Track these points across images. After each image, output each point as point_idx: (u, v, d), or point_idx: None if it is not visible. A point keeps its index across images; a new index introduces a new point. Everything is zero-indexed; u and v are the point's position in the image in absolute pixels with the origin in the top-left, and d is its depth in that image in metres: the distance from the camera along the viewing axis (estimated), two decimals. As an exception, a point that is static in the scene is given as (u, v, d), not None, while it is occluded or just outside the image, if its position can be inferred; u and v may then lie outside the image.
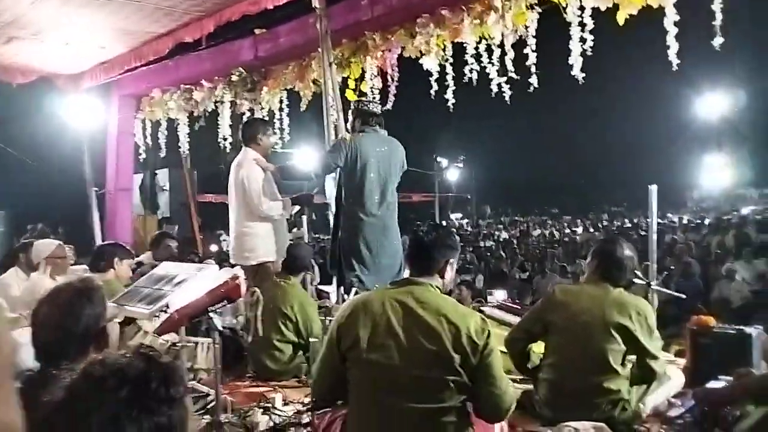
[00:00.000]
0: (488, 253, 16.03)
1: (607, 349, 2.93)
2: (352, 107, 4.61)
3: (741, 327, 3.61)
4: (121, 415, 0.92)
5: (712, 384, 2.85)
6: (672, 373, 3.31)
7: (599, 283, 3.12)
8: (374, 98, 5.21)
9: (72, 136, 8.08)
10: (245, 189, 4.62)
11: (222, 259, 6.85)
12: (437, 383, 2.21)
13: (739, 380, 2.76)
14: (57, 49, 6.46)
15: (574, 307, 3.05)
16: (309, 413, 3.24)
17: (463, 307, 2.40)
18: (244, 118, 6.22)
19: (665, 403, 3.15)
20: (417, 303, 2.29)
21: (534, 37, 4.61)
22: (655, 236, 4.21)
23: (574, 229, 25.98)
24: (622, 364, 2.99)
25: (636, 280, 3.74)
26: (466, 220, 37.21)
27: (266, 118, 5.94)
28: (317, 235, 14.01)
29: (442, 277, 2.44)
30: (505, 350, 3.47)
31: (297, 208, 4.99)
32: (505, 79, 4.76)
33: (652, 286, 3.99)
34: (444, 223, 30.46)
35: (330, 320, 3.61)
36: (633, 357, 3.05)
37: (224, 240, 13.83)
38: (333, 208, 4.65)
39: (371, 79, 5.40)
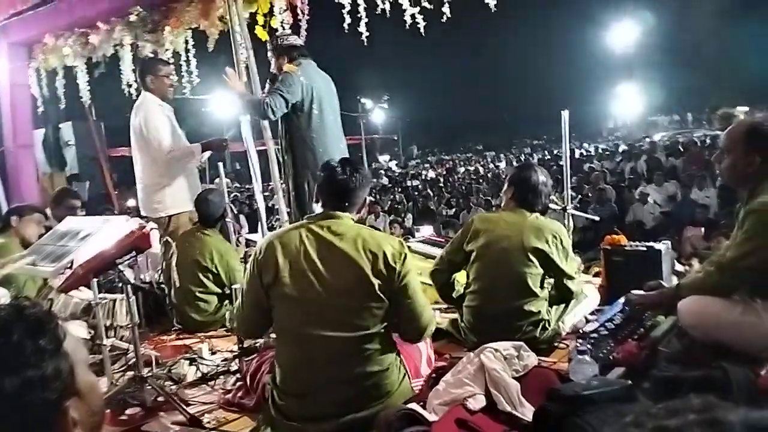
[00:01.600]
0: (416, 193, 16.21)
1: (526, 273, 3.01)
2: (272, 47, 4.30)
3: (651, 243, 3.79)
4: None
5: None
6: (588, 292, 3.45)
7: (516, 210, 3.16)
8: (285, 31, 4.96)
9: (-42, 91, 7.37)
10: (144, 135, 4.36)
11: (140, 215, 6.54)
12: (359, 311, 2.25)
13: (667, 288, 2.92)
14: (-73, -8, 5.80)
15: (493, 234, 3.10)
16: (237, 360, 3.19)
17: (379, 233, 2.43)
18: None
19: (582, 321, 3.29)
20: (333, 235, 2.30)
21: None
22: (568, 161, 4.30)
23: (497, 164, 26.64)
24: (541, 287, 3.08)
25: (552, 206, 3.85)
26: (394, 162, 37.35)
27: (170, 60, 5.57)
28: (237, 185, 13.68)
29: (359, 212, 2.47)
30: (431, 282, 3.54)
31: (208, 154, 4.76)
32: (418, 9, 4.63)
33: (567, 210, 4.11)
34: (369, 164, 30.59)
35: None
36: (551, 280, 3.15)
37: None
38: (279, 149, 4.31)
39: (280, 14, 5.13)
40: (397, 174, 25.19)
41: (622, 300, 3.06)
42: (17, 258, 3.06)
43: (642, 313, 2.94)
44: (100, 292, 3.25)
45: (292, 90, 3.99)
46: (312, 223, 2.38)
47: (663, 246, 3.69)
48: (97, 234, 2.82)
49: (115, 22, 6.06)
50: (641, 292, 2.97)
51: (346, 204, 2.41)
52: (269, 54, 4.32)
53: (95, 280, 2.94)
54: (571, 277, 3.11)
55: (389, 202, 14.51)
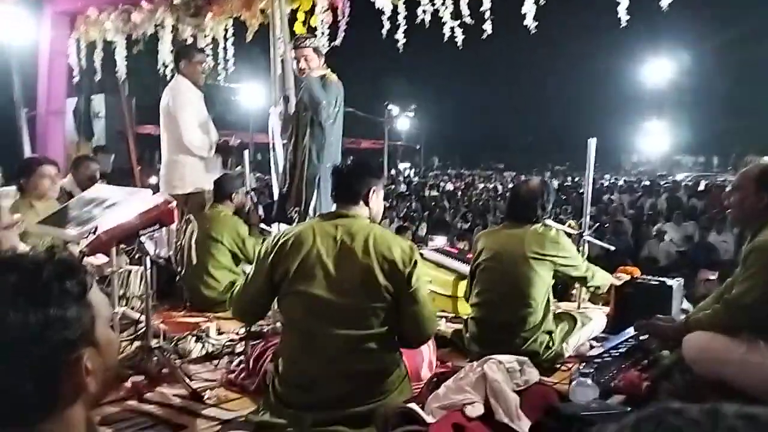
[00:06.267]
0: (432, 203, 16.22)
1: (529, 281, 3.04)
2: (312, 46, 4.32)
3: (664, 279, 3.80)
4: (6, 301, 0.88)
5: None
6: (593, 315, 3.47)
7: (514, 222, 3.24)
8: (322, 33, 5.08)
9: (-1, 52, 7.53)
10: (171, 118, 4.52)
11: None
12: (364, 311, 2.28)
13: (677, 322, 2.95)
14: (-19, -47, 5.94)
15: (494, 246, 3.17)
16: (242, 343, 3.24)
17: (390, 234, 2.47)
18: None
19: (586, 345, 3.31)
20: (346, 234, 2.34)
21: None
22: (590, 189, 4.30)
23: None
24: (545, 298, 3.11)
25: (569, 230, 3.88)
26: (413, 170, 37.36)
27: (209, 47, 5.70)
28: (259, 175, 13.81)
29: (368, 205, 2.47)
30: (441, 291, 3.60)
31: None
32: (458, 22, 4.67)
33: (584, 237, 4.12)
34: (392, 171, 30.69)
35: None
36: (561, 304, 3.18)
37: (164, 174, 13.32)
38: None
39: (322, 13, 5.20)
40: (415, 183, 25.16)
41: (629, 331, 3.07)
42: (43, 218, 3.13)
43: (648, 343, 2.95)
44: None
45: (329, 97, 4.16)
46: (325, 221, 2.43)
47: (675, 283, 3.70)
48: (123, 204, 2.89)
49: (158, 3, 6.17)
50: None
51: (349, 194, 2.44)
52: (311, 51, 4.32)
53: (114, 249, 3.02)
54: (576, 266, 3.17)
55: (404, 210, 14.54)
